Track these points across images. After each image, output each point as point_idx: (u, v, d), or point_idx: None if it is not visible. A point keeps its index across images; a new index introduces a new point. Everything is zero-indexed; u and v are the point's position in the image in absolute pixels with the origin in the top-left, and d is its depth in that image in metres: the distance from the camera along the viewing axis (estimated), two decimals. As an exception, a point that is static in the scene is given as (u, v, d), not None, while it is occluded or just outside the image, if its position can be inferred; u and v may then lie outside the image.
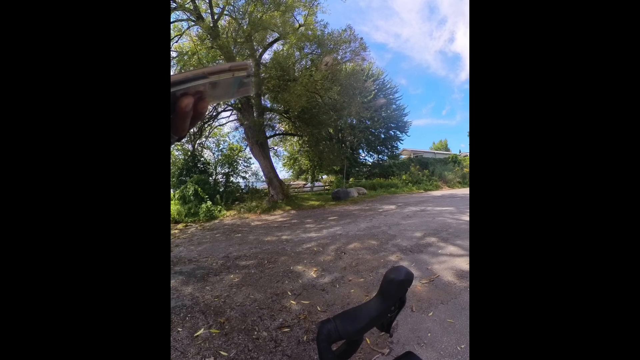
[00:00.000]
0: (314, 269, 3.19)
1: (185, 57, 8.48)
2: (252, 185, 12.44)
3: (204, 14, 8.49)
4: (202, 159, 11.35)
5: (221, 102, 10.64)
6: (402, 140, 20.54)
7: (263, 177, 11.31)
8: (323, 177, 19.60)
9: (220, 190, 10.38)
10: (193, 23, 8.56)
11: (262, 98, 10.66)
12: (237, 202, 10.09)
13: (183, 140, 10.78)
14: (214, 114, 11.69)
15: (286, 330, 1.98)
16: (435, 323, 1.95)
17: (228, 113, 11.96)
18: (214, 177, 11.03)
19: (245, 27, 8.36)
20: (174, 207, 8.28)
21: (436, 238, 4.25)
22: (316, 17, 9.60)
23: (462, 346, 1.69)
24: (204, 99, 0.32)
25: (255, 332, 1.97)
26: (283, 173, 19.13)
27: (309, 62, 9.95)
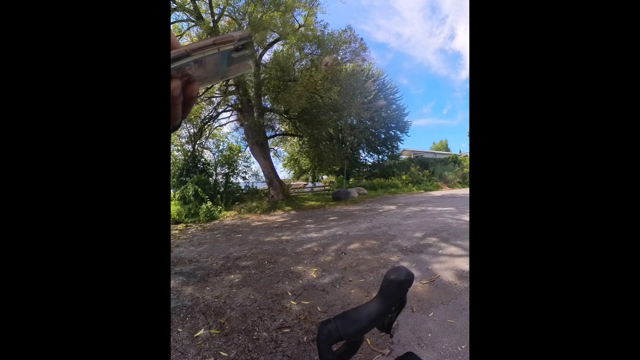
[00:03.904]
0: (314, 270, 3.18)
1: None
2: (252, 185, 12.45)
3: (204, 15, 8.50)
4: (202, 159, 11.36)
5: (221, 102, 10.65)
6: (403, 140, 20.58)
7: (263, 178, 11.32)
8: (323, 177, 19.61)
9: (221, 190, 10.39)
10: (193, 23, 8.57)
11: (262, 98, 10.67)
12: (237, 203, 10.10)
13: (182, 140, 10.69)
14: (214, 114, 11.72)
15: (286, 330, 1.98)
16: (436, 323, 1.95)
17: (228, 113, 11.99)
18: (214, 177, 11.03)
19: (245, 27, 8.37)
20: (174, 208, 8.28)
21: (436, 238, 4.25)
22: (316, 17, 9.62)
23: (463, 346, 1.68)
24: (193, 81, 0.30)
25: (256, 333, 1.97)
26: (283, 173, 19.16)
27: (309, 63, 9.96)
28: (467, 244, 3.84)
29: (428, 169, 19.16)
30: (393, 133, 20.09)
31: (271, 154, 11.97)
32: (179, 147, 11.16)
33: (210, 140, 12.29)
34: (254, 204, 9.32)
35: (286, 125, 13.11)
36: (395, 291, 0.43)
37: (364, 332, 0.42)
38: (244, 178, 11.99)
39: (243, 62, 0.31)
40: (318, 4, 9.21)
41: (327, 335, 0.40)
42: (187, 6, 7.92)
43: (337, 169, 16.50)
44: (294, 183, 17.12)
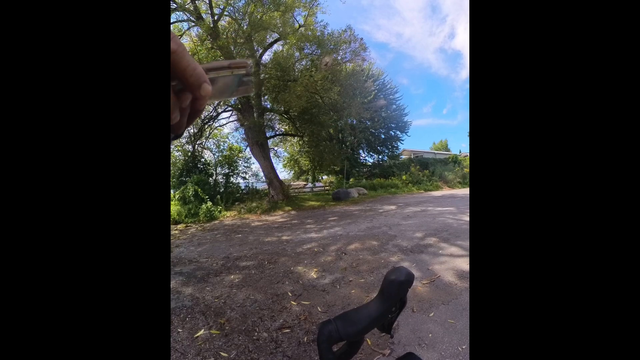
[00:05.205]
0: (315, 270, 3.18)
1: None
2: (253, 185, 12.46)
3: (204, 15, 8.51)
4: (202, 159, 11.36)
5: (221, 103, 10.67)
6: (403, 140, 20.56)
7: (263, 178, 11.33)
8: (323, 177, 19.61)
9: (221, 190, 10.40)
10: (193, 24, 8.58)
11: (262, 98, 10.67)
12: (237, 203, 10.11)
13: (182, 140, 10.75)
14: (214, 114, 11.72)
15: (287, 331, 1.98)
16: (437, 324, 1.95)
17: (228, 114, 12.00)
18: (214, 177, 11.04)
19: (245, 27, 8.37)
20: (174, 208, 8.28)
21: (437, 238, 4.25)
22: (316, 17, 9.61)
23: (464, 347, 1.68)
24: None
25: (256, 333, 1.97)
26: (283, 174, 19.16)
27: (309, 63, 9.96)
28: (467, 244, 3.84)
29: (428, 169, 19.15)
30: (393, 133, 20.09)
31: (271, 154, 11.98)
32: (179, 147, 11.16)
33: (210, 140, 12.31)
34: (254, 204, 9.32)
35: (286, 125, 13.11)
36: (395, 291, 0.43)
37: (364, 332, 0.42)
38: (244, 178, 12.02)
39: (248, 85, 0.33)
40: (318, 4, 9.21)
41: (328, 336, 0.40)
42: (187, 6, 7.91)
43: (337, 169, 16.50)
44: (294, 183, 17.12)
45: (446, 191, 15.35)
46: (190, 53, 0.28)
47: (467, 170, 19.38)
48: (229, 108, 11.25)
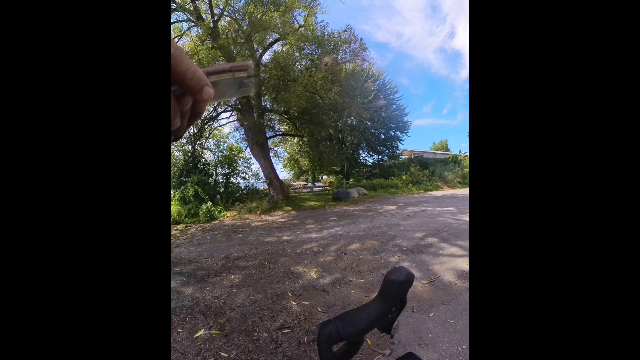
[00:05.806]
0: (315, 270, 3.18)
1: (186, 58, 8.51)
2: (253, 186, 12.47)
3: (204, 15, 8.51)
4: (202, 159, 11.37)
5: (221, 103, 10.68)
6: (403, 140, 20.54)
7: (263, 178, 11.33)
8: (323, 177, 19.61)
9: (221, 190, 10.40)
10: (193, 24, 8.58)
11: (262, 98, 10.67)
12: (237, 203, 10.12)
13: (182, 140, 10.74)
14: (214, 114, 11.72)
15: (287, 331, 1.98)
16: (437, 324, 1.95)
17: (228, 114, 11.99)
18: (214, 177, 11.04)
19: (245, 27, 8.38)
20: (174, 208, 8.29)
21: (437, 238, 4.25)
22: (316, 17, 9.62)
23: (464, 347, 1.68)
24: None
25: (256, 333, 1.97)
26: (283, 174, 19.16)
27: (309, 63, 9.96)
28: (467, 244, 3.84)
29: (428, 169, 19.15)
30: (393, 133, 20.08)
31: (271, 154, 11.98)
32: (179, 148, 11.17)
33: (210, 140, 12.31)
34: (254, 204, 9.32)
35: (286, 125, 13.11)
36: (395, 291, 0.43)
37: (364, 332, 0.42)
38: (244, 178, 12.03)
39: (248, 86, 0.34)
40: (318, 4, 9.21)
41: (328, 336, 0.40)
42: (187, 6, 7.91)
43: (337, 169, 16.50)
44: (294, 183, 17.11)
45: (446, 191, 15.34)
46: (190, 53, 0.28)
47: (467, 170, 19.37)
48: (229, 108, 11.24)
